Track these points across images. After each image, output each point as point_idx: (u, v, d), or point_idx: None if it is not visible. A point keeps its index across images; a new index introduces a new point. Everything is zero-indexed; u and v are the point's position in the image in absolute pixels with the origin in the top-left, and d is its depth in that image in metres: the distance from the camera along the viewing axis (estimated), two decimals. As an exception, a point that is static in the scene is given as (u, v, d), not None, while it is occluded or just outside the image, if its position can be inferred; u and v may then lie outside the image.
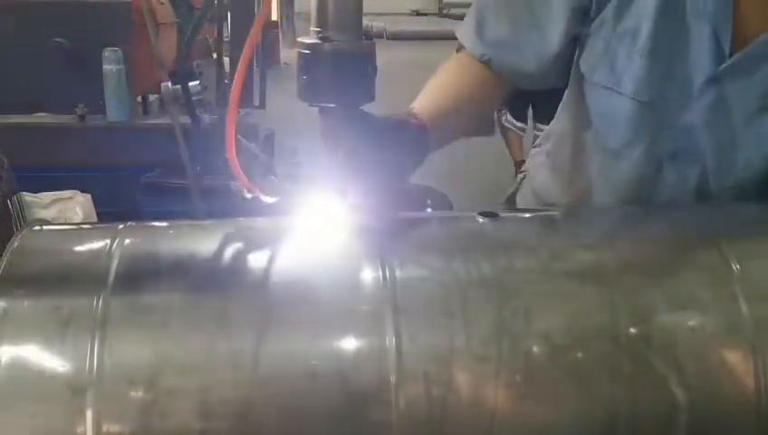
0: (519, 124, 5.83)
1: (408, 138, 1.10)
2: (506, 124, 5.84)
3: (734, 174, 1.29)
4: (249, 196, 1.07)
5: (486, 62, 1.32)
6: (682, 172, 1.30)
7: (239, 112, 1.01)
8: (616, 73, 1.27)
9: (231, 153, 0.98)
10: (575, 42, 1.31)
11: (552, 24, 1.29)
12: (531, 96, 5.27)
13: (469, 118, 1.33)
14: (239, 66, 0.97)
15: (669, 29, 1.23)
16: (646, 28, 1.23)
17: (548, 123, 1.71)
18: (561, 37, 1.29)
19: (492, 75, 1.33)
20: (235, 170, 1.00)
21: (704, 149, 1.27)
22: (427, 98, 1.22)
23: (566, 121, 1.50)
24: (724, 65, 1.22)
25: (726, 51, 1.22)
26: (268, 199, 1.08)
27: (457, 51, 1.39)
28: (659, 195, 1.33)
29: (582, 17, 1.28)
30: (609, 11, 1.26)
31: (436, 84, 1.30)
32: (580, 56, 1.32)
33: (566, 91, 1.51)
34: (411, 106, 1.18)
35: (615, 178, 1.35)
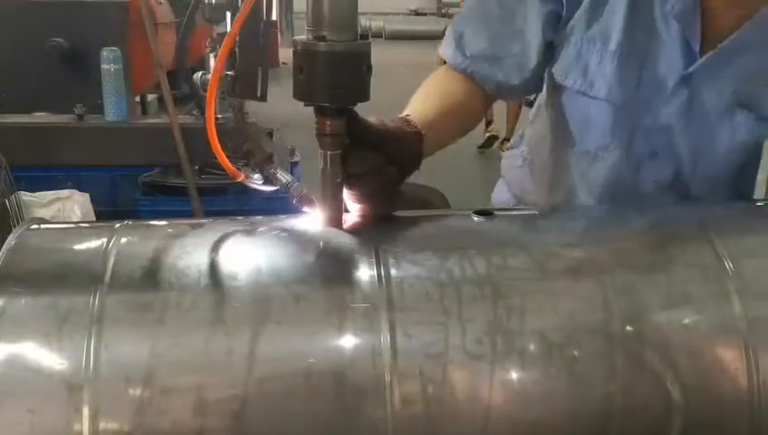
0: None
1: (407, 142, 1.11)
2: None
3: (710, 169, 1.31)
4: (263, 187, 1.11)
5: (470, 75, 1.33)
6: (659, 171, 1.33)
7: (247, 113, 1.05)
8: (588, 78, 1.29)
9: (211, 128, 1.01)
10: (552, 50, 1.33)
11: (530, 32, 1.31)
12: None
13: (458, 126, 1.34)
14: (231, 30, 1.00)
15: (639, 32, 1.25)
16: (615, 32, 1.25)
17: None
18: (540, 45, 1.31)
19: (476, 87, 1.35)
20: (215, 146, 1.04)
21: (680, 147, 1.30)
22: (418, 109, 1.23)
23: (542, 125, 1.51)
24: (695, 65, 1.25)
25: (696, 50, 1.24)
26: (261, 187, 1.11)
27: (438, 64, 1.40)
28: (637, 194, 1.35)
29: (555, 22, 1.30)
30: (579, 16, 1.27)
31: (424, 96, 1.31)
32: (553, 63, 1.34)
33: (540, 96, 1.54)
34: (406, 114, 1.18)
35: (594, 179, 1.37)
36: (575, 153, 1.39)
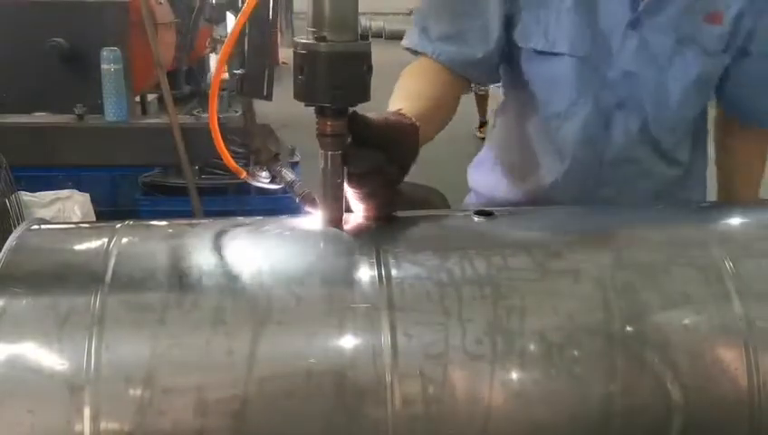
0: (483, 88, 6.89)
1: (407, 135, 1.11)
2: (472, 88, 6.23)
3: (672, 114, 1.39)
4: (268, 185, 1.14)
5: (437, 60, 1.38)
6: (628, 122, 1.39)
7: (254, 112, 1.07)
8: (550, 37, 1.36)
9: (214, 125, 1.04)
10: (510, 24, 1.40)
11: (490, 8, 1.37)
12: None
13: (439, 119, 1.37)
14: (233, 29, 1.02)
15: None
16: None
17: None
18: (500, 15, 1.38)
19: (445, 75, 1.39)
20: (218, 143, 1.06)
21: (642, 92, 1.37)
22: (404, 102, 1.25)
23: (506, 119, 1.57)
24: (639, 8, 1.33)
25: None
26: (264, 185, 1.13)
27: (408, 51, 1.44)
28: (610, 149, 1.40)
29: None
30: None
31: (405, 93, 1.35)
32: (513, 33, 1.40)
33: (501, 101, 1.60)
34: (399, 108, 1.19)
35: (566, 139, 1.41)
36: (545, 118, 1.43)
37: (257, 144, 1.09)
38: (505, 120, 1.60)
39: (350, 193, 1.03)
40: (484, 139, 7.45)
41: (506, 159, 1.59)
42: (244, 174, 1.12)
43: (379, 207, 1.05)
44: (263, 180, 1.13)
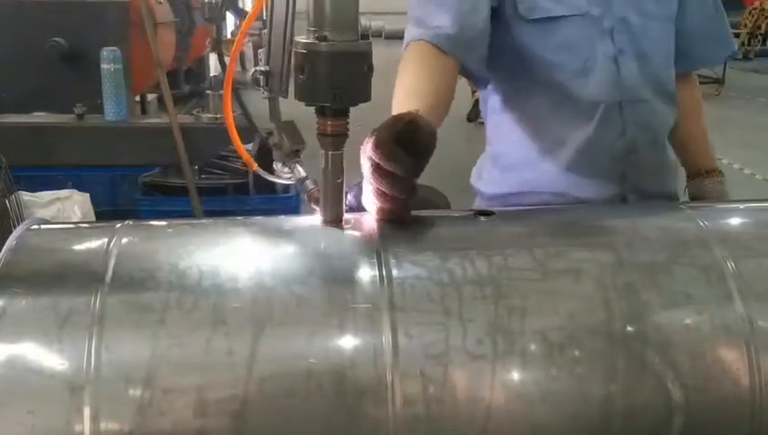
0: None
1: (428, 137, 1.10)
2: None
3: (663, 50, 1.52)
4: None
5: (436, 46, 1.39)
6: (630, 66, 1.48)
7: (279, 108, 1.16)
8: (560, 1, 1.45)
9: (229, 119, 1.11)
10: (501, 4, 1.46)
11: None
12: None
13: (443, 109, 1.39)
14: (241, 29, 1.09)
15: None
16: None
17: None
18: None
19: (443, 58, 1.41)
20: (234, 137, 1.14)
21: (636, 36, 1.48)
22: (410, 101, 1.27)
23: (506, 117, 1.58)
24: None
25: None
26: (272, 178, 1.18)
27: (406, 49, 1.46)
28: (625, 93, 1.48)
29: None
30: None
31: (411, 85, 1.37)
32: (515, 10, 1.46)
33: (490, 105, 1.62)
34: (415, 109, 1.18)
35: (593, 94, 1.47)
36: (563, 81, 1.48)
37: (278, 139, 1.12)
38: (504, 115, 1.60)
39: (373, 190, 1.01)
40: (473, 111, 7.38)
41: (515, 150, 1.59)
42: (255, 166, 1.18)
43: (401, 211, 1.03)
44: (280, 175, 1.16)
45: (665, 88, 1.55)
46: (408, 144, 0.97)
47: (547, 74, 1.49)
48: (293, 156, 1.13)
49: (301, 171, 1.14)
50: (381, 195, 1.01)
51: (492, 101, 1.61)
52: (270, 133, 1.17)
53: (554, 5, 1.45)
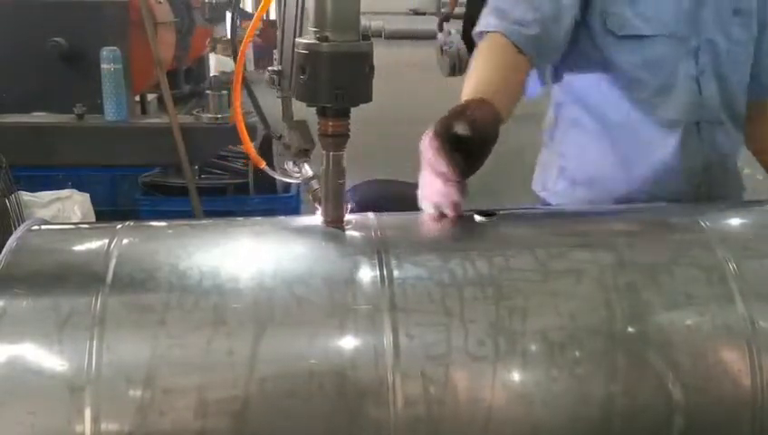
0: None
1: (487, 130, 1.13)
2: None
3: (741, 75, 1.51)
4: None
5: (512, 40, 1.39)
6: (710, 87, 1.48)
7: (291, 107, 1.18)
8: (650, 20, 1.44)
9: (238, 114, 1.15)
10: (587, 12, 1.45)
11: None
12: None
13: (514, 100, 1.40)
14: (250, 27, 1.12)
15: None
16: None
17: None
18: (572, 8, 1.42)
19: (523, 58, 1.41)
20: (243, 135, 1.17)
21: (719, 58, 1.48)
22: (483, 88, 1.29)
23: (581, 132, 1.57)
24: None
25: None
26: (279, 177, 1.20)
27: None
28: (704, 114, 1.48)
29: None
30: None
31: (483, 76, 1.37)
32: (603, 25, 1.45)
33: (552, 124, 1.61)
34: (482, 97, 1.21)
35: (676, 110, 1.47)
36: (644, 98, 1.48)
37: (288, 138, 1.14)
38: (579, 129, 1.59)
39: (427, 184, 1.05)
40: None
41: (588, 167, 1.59)
42: (263, 164, 1.21)
43: (454, 206, 1.06)
44: (287, 173, 1.17)
45: (739, 111, 1.55)
46: (461, 143, 1.00)
47: (629, 89, 1.48)
48: (303, 155, 1.14)
49: (308, 170, 1.15)
50: (435, 190, 1.04)
51: (568, 112, 1.59)
52: (280, 135, 1.18)
53: (644, 24, 1.45)
